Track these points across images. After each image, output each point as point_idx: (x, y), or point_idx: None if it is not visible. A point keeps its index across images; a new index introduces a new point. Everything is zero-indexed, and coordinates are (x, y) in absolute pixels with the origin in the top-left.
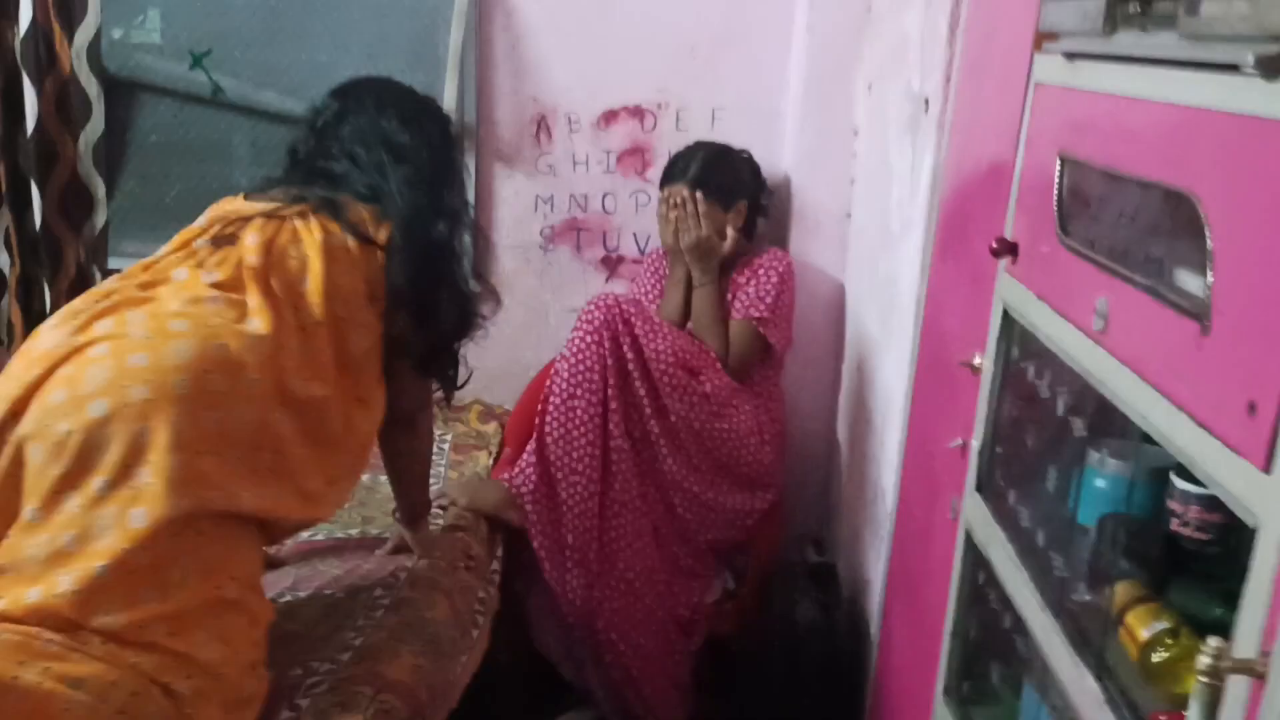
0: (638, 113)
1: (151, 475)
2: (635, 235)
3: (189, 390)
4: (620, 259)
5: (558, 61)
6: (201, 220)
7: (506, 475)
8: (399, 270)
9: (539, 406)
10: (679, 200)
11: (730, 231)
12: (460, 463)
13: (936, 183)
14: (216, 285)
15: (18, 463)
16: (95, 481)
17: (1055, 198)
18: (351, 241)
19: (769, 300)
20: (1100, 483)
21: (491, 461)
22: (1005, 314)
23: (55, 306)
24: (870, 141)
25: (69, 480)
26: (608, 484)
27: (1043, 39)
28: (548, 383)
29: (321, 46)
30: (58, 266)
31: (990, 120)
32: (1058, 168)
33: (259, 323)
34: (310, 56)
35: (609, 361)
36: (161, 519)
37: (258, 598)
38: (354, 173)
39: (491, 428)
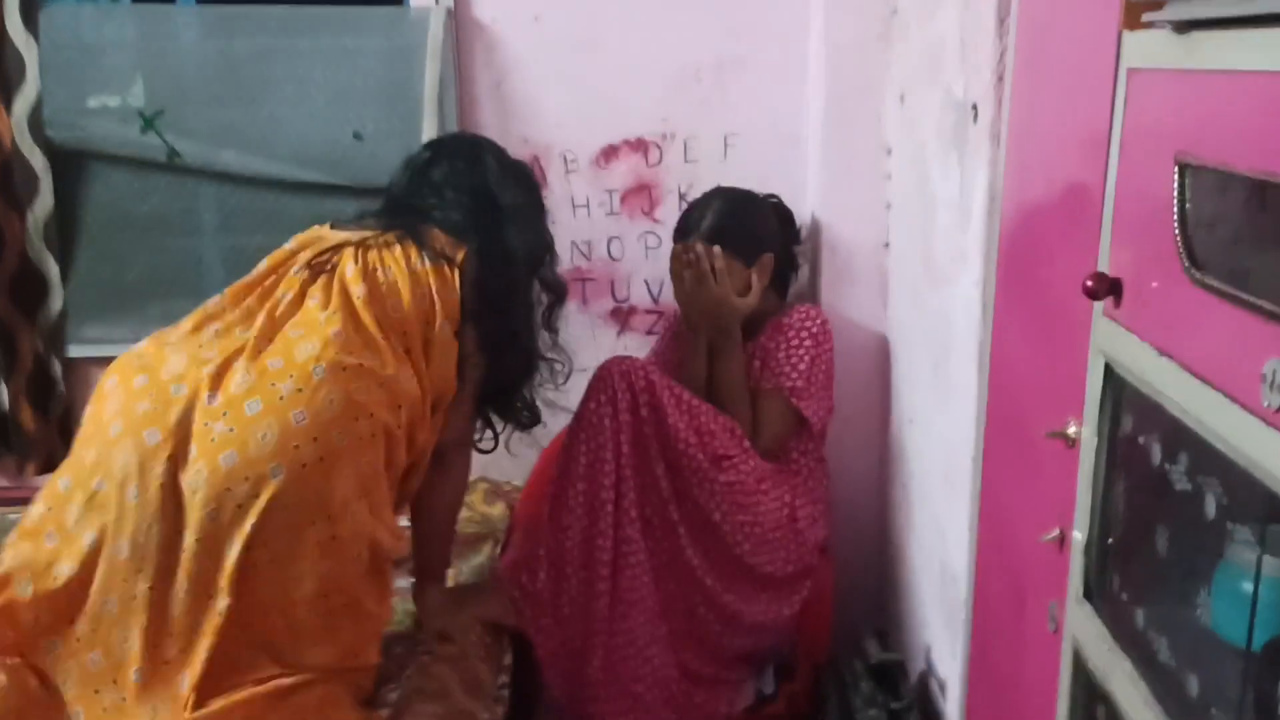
0: (640, 146)
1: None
2: (647, 282)
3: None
4: (632, 310)
5: (548, 96)
6: (290, 244)
7: (511, 571)
8: (470, 292)
9: (551, 489)
10: (693, 257)
11: (754, 289)
12: (462, 555)
13: (994, 205)
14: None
15: (177, 502)
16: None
17: (1176, 217)
18: (429, 263)
19: (802, 367)
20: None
21: (499, 550)
22: (1109, 371)
23: (14, 404)
24: (906, 160)
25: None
26: (615, 579)
27: (1138, 10)
28: (559, 457)
29: (282, 98)
30: (13, 359)
31: (1065, 122)
32: (1176, 177)
33: (391, 369)
34: (271, 110)
35: (624, 433)
36: None
37: None
38: (439, 209)
39: (498, 510)
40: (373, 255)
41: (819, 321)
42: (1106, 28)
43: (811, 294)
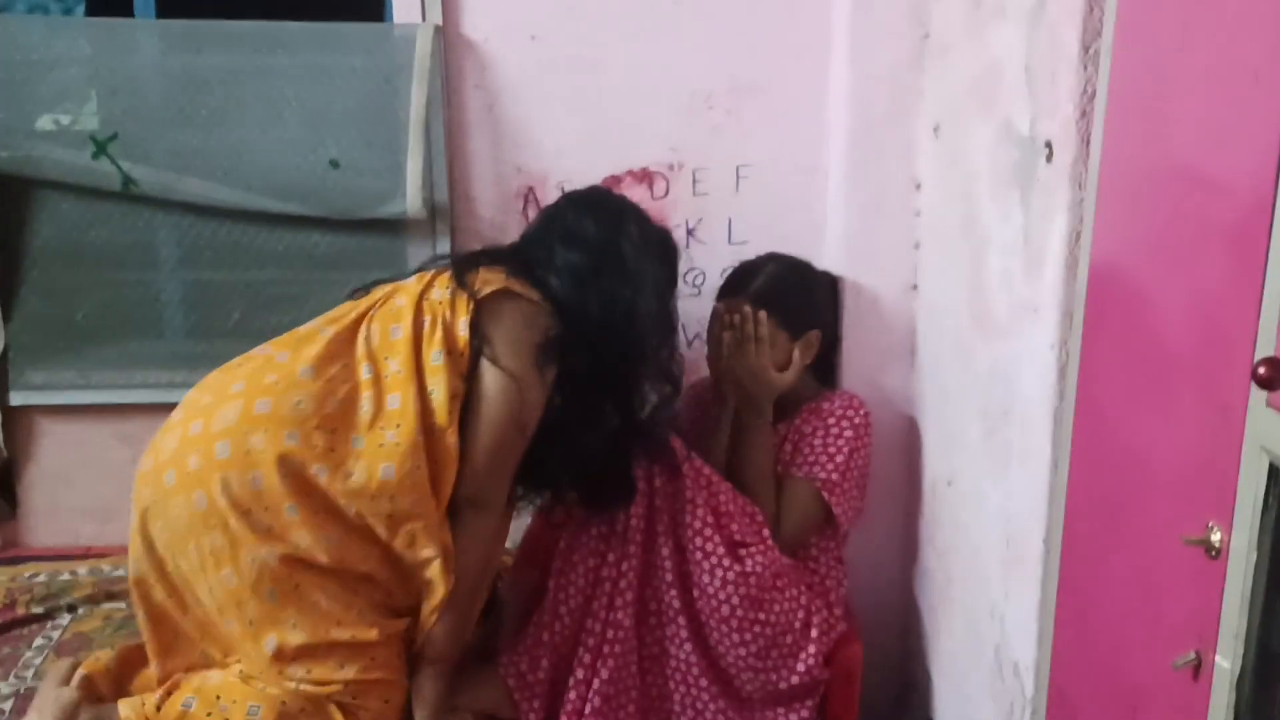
0: (645, 177)
1: None
2: None
3: None
4: None
5: (545, 122)
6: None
7: (510, 657)
8: (500, 333)
9: (556, 562)
10: (737, 318)
11: (795, 365)
12: None
13: (1077, 256)
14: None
15: None
16: None
17: None
18: (446, 295)
19: (840, 459)
20: None
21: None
22: (1275, 473)
23: None
24: (942, 197)
25: None
26: (595, 669)
27: None
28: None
29: (251, 122)
30: None
31: (1198, 168)
32: None
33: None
34: (238, 135)
35: (637, 504)
36: None
37: None
38: (529, 250)
39: None
40: (419, 284)
41: (862, 413)
42: (1271, 55)
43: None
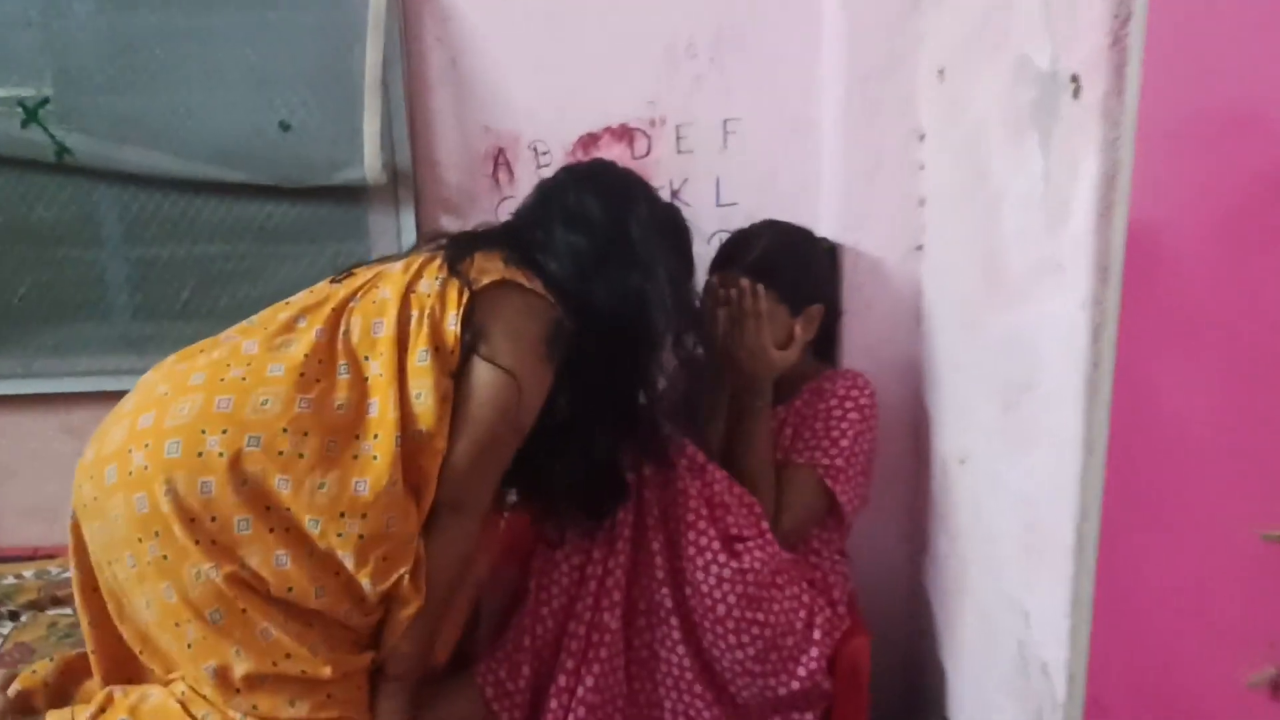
0: (625, 134)
1: None
2: None
3: None
4: None
5: (513, 76)
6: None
7: (488, 665)
8: (495, 326)
9: (536, 561)
10: (733, 292)
11: (797, 342)
12: None
13: (1112, 204)
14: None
15: None
16: None
17: None
18: (436, 285)
19: (844, 444)
20: None
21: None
22: None
23: None
24: (949, 147)
25: None
26: (580, 675)
27: None
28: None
29: (193, 84)
30: None
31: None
32: None
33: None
34: (180, 99)
35: None
36: None
37: None
38: (526, 231)
39: None
40: (409, 270)
41: (867, 393)
42: None
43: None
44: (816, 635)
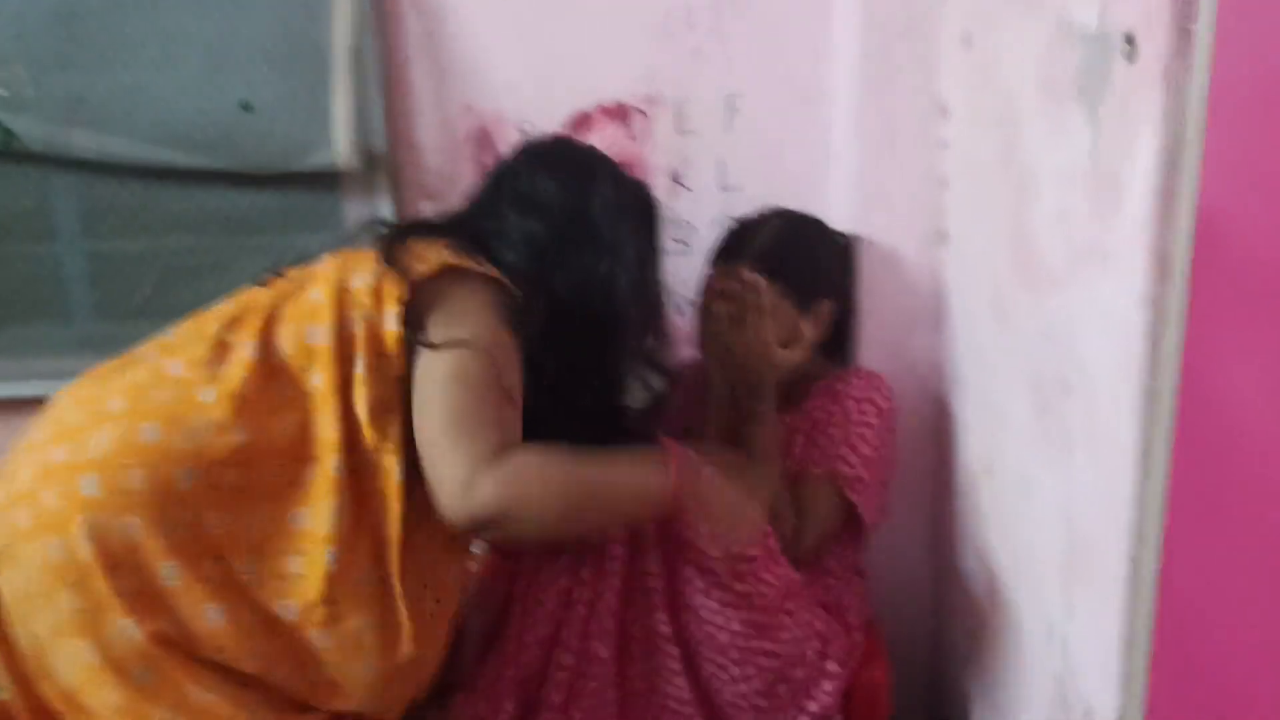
0: (620, 113)
1: None
2: None
3: None
4: None
5: (497, 50)
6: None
7: (463, 698)
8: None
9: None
10: (734, 286)
11: (804, 341)
12: None
13: (1180, 183)
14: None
15: None
16: None
17: None
18: (370, 280)
19: (866, 451)
20: None
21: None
22: None
23: None
24: (977, 123)
25: None
26: (568, 711)
27: None
28: None
29: (146, 61)
30: None
31: None
32: None
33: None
34: (132, 77)
35: None
36: None
37: None
38: (478, 218)
39: None
40: (342, 263)
41: (886, 396)
42: None
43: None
44: (831, 666)
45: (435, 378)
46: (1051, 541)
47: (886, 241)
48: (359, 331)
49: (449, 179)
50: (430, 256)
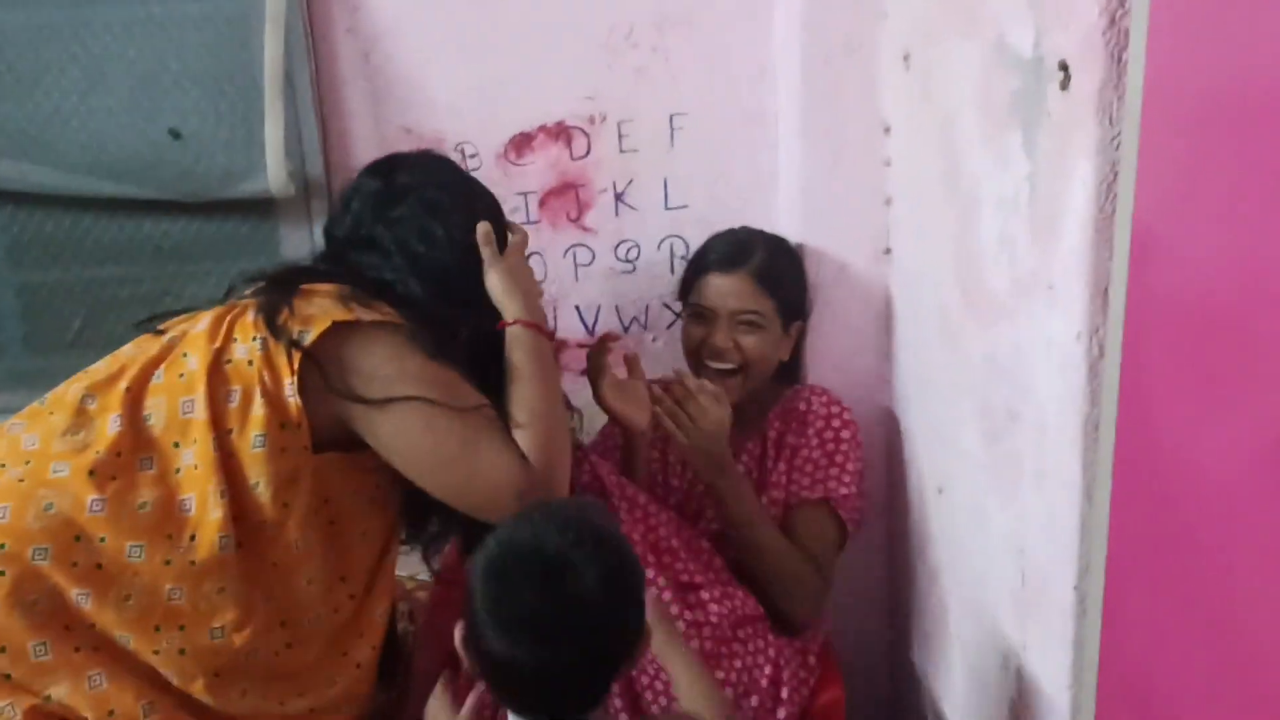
0: (562, 133)
1: None
2: (579, 309)
3: None
4: (561, 345)
5: (435, 71)
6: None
7: None
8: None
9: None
10: (668, 403)
11: (777, 362)
12: None
13: (1116, 215)
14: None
15: None
16: None
17: None
18: (257, 350)
19: (851, 468)
20: None
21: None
22: None
23: None
24: (918, 142)
25: None
26: None
27: None
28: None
29: (69, 88)
30: None
31: None
32: None
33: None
34: (53, 104)
35: None
36: None
37: None
38: (370, 261)
39: (400, 625)
40: (223, 324)
41: (845, 408)
42: None
43: None
44: (784, 694)
45: (405, 443)
46: (1005, 573)
47: (834, 257)
48: (250, 407)
49: None
50: (315, 314)
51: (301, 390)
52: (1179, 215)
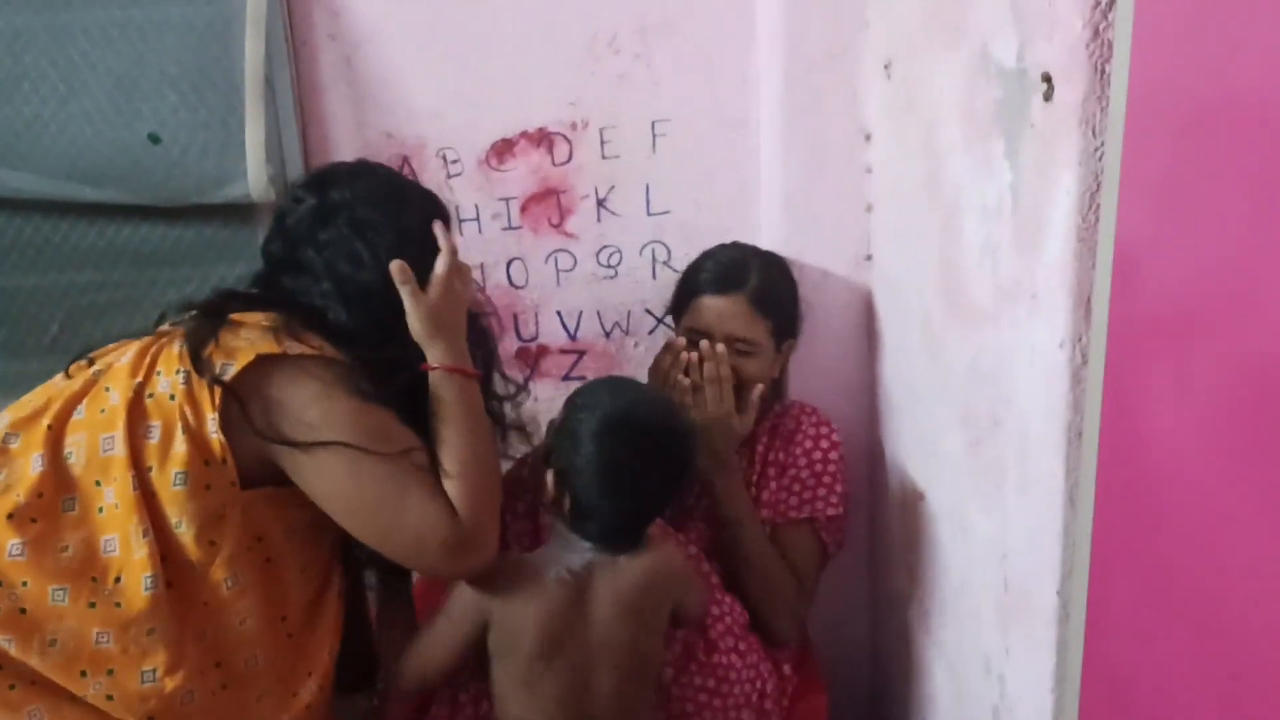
0: (544, 139)
1: None
2: (560, 315)
3: None
4: (543, 350)
5: (417, 76)
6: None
7: None
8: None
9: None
10: (693, 356)
11: (754, 408)
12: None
13: (1099, 225)
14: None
15: None
16: None
17: None
18: (180, 385)
19: (839, 489)
20: None
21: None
22: None
23: None
24: (898, 150)
25: None
26: None
27: None
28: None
29: (47, 93)
30: None
31: None
32: None
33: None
34: (33, 109)
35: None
36: None
37: None
38: (302, 285)
39: None
40: (147, 355)
41: (832, 427)
42: None
43: None
44: (767, 704)
45: (335, 491)
46: (988, 580)
47: (814, 263)
48: (172, 443)
49: None
50: (240, 346)
51: (226, 426)
52: (1162, 225)
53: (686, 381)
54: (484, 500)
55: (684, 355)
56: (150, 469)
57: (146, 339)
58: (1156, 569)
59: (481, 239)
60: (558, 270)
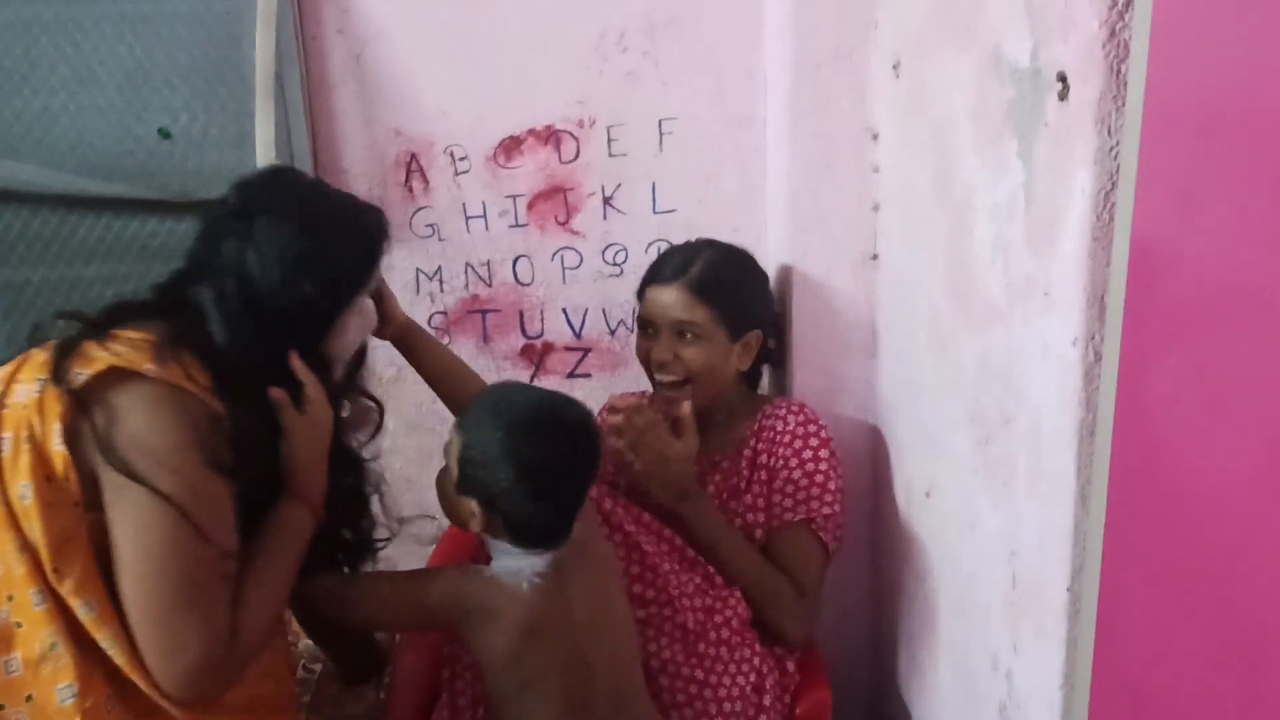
0: (551, 137)
1: None
2: (566, 312)
3: None
4: (549, 348)
5: (426, 73)
6: None
7: None
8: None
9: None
10: (618, 419)
11: (691, 424)
12: (338, 701)
13: (1114, 223)
14: None
15: None
16: None
17: None
18: (34, 393)
19: (833, 487)
20: None
21: (384, 691)
22: None
23: None
24: (906, 149)
25: None
26: None
27: None
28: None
29: (58, 86)
30: None
31: None
32: None
33: None
34: (43, 102)
35: None
36: None
37: None
38: (198, 301)
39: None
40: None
41: (821, 424)
42: None
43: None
44: (766, 701)
45: (132, 529)
46: (996, 577)
47: (820, 263)
48: (19, 452)
49: (378, 204)
50: (98, 355)
51: (71, 439)
52: (1178, 224)
53: (621, 443)
54: (263, 635)
55: (610, 420)
56: (5, 482)
57: (36, 348)
58: (1170, 566)
59: (490, 236)
60: (564, 268)
